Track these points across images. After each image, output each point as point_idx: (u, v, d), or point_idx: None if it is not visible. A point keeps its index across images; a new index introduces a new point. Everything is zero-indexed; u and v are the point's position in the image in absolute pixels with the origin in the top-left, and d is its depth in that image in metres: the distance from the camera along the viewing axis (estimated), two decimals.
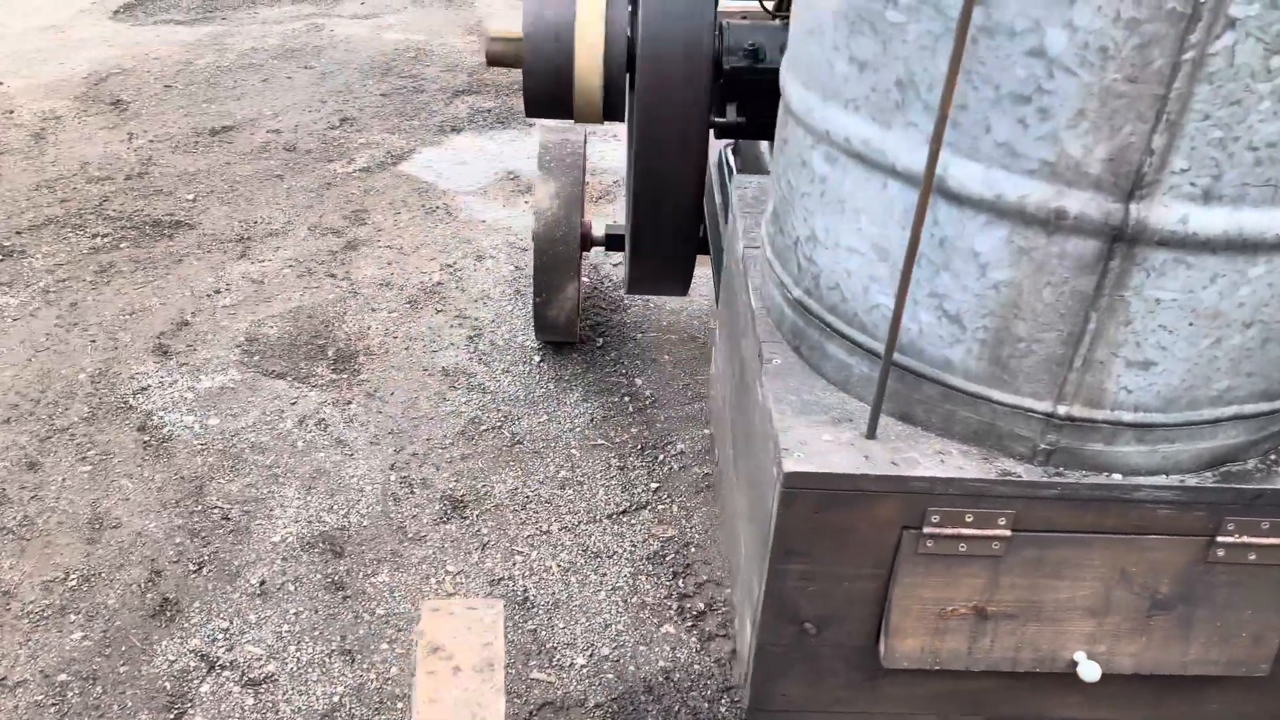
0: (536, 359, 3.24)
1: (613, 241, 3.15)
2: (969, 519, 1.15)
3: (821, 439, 1.18)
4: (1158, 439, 1.13)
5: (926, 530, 1.16)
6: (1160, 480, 1.15)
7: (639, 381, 3.17)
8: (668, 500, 2.73)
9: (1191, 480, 1.16)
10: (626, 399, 3.09)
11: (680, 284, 2.30)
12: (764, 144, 2.63)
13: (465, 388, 3.11)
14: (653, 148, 1.91)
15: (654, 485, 2.78)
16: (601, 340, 3.35)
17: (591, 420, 3.00)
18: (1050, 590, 1.20)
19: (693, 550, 2.58)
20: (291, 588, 2.44)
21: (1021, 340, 1.09)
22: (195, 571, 2.47)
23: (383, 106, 4.96)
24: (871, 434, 1.18)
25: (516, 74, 5.26)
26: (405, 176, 4.34)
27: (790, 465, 1.13)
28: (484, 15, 6.09)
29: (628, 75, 2.27)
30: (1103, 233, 1.00)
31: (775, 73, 2.32)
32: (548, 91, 2.29)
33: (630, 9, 2.26)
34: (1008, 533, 1.16)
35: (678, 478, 2.80)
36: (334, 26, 5.89)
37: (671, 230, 2.05)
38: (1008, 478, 1.14)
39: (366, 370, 3.18)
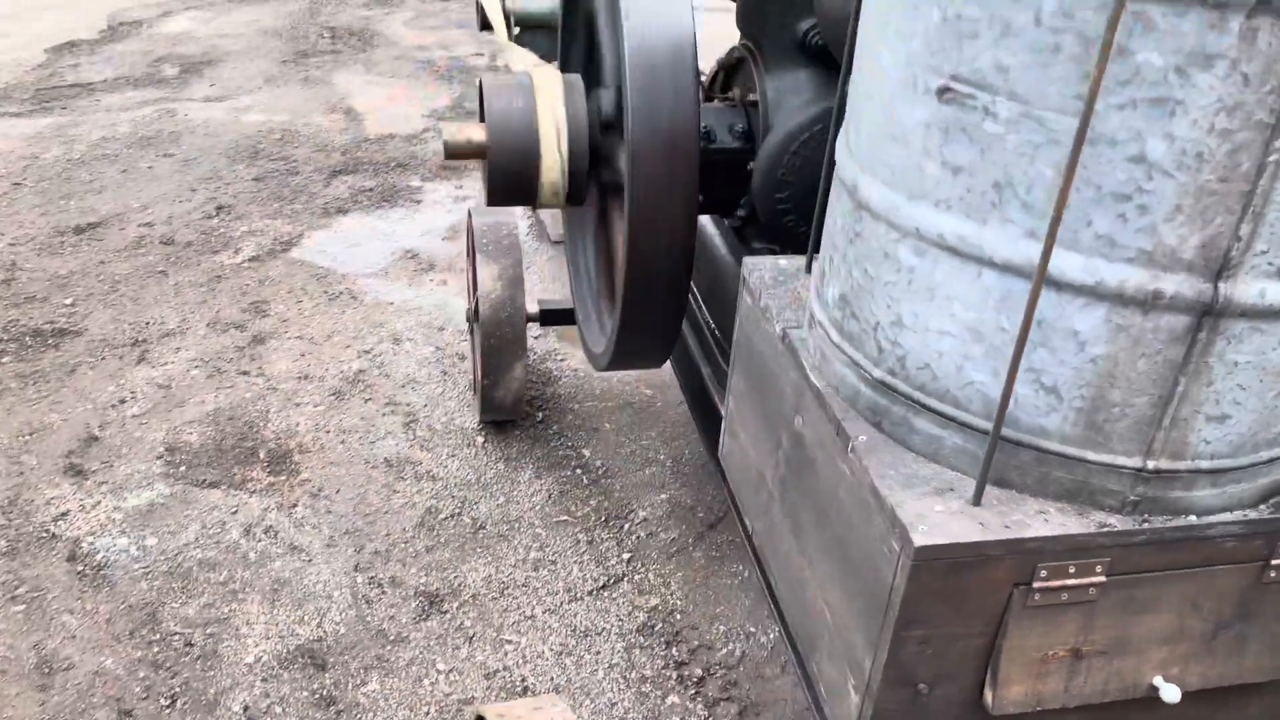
0: (480, 440, 3.22)
1: (548, 318, 3.18)
2: (1071, 570, 1.26)
3: (935, 510, 1.27)
4: (1227, 481, 1.27)
5: (1035, 585, 1.26)
6: (1227, 516, 1.30)
7: (587, 452, 3.20)
8: (643, 570, 2.77)
9: (1252, 513, 1.31)
10: (579, 471, 3.11)
11: (663, 357, 2.36)
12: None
13: (413, 477, 3.06)
14: (646, 231, 1.98)
15: (626, 556, 2.81)
16: (541, 414, 3.37)
17: (549, 497, 3.00)
18: (1135, 625, 1.33)
19: (679, 617, 2.63)
20: (279, 709, 2.33)
21: (1115, 406, 1.21)
22: (169, 706, 2.32)
23: (258, 191, 4.82)
24: (977, 501, 1.27)
25: (394, 150, 5.24)
26: (299, 263, 4.23)
27: (920, 539, 1.21)
28: (344, 93, 6.02)
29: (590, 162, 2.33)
30: (1194, 309, 1.13)
31: (726, 152, 2.44)
32: (513, 183, 2.33)
33: (589, 99, 2.33)
34: (1103, 579, 1.28)
35: (647, 545, 2.84)
36: (187, 111, 5.69)
37: (663, 307, 2.12)
38: (1105, 529, 1.26)
39: (305, 469, 3.07)
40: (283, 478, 3.03)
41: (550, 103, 2.32)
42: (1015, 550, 1.24)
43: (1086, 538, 1.25)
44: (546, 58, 4.13)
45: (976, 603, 1.27)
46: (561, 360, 3.67)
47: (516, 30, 4.13)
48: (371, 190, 4.88)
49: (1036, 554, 1.25)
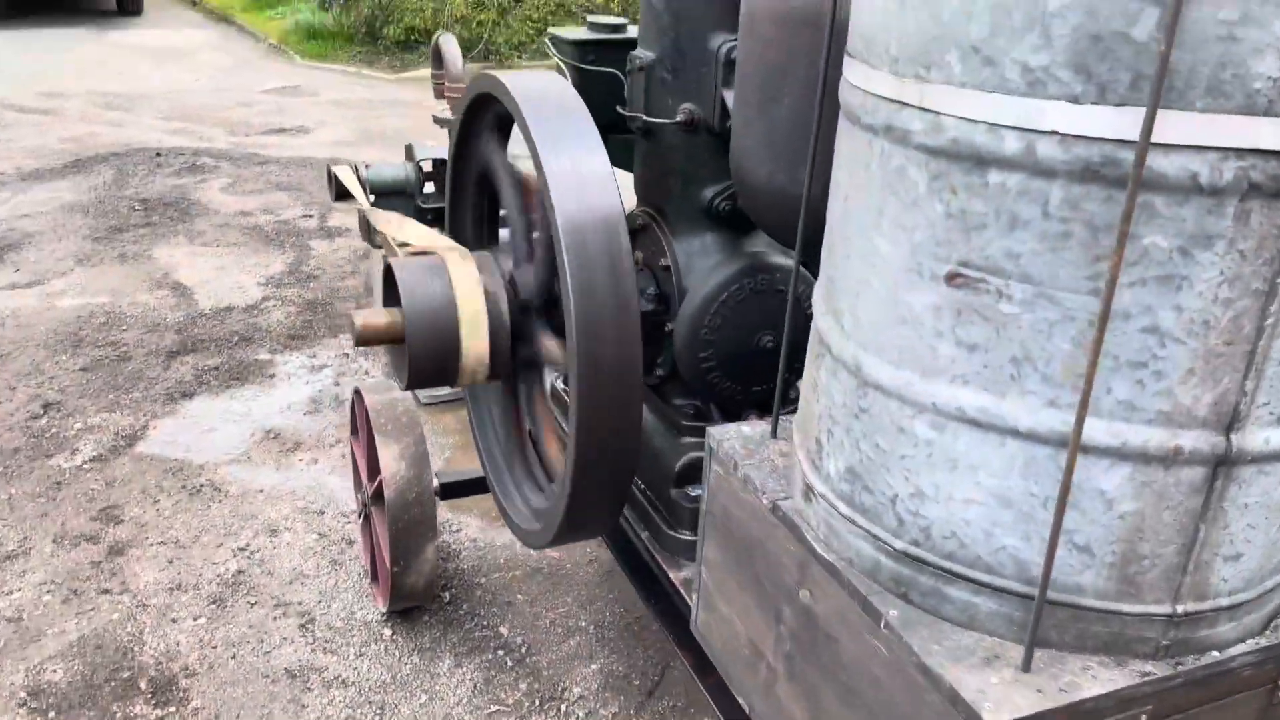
0: (387, 633, 3.02)
1: (450, 491, 3.07)
2: None
3: (991, 683, 1.27)
4: (1243, 614, 1.34)
5: None
6: (1244, 647, 1.36)
7: (505, 630, 3.05)
8: None
9: (1262, 640, 1.38)
10: (501, 653, 2.96)
11: (609, 525, 2.31)
12: None
13: (321, 686, 2.82)
14: (594, 410, 1.95)
15: None
16: (448, 594, 3.20)
17: (475, 687, 2.84)
18: None
19: None
20: None
21: (1145, 558, 1.26)
22: None
23: (88, 384, 4.47)
24: (1027, 668, 1.29)
25: (234, 324, 5.00)
26: (149, 458, 3.92)
27: (990, 716, 1.21)
28: (168, 267, 5.73)
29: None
30: (1210, 460, 1.21)
31: (642, 316, 2.46)
32: (434, 366, 2.26)
33: (505, 276, 2.30)
34: None
35: None
36: None
37: (612, 482, 2.08)
38: (1147, 678, 1.29)
39: (196, 695, 2.79)
40: (171, 709, 2.73)
41: (467, 284, 2.28)
42: (1075, 714, 1.25)
43: (1132, 689, 1.28)
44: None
45: None
46: (458, 531, 3.52)
47: (371, 198, 4.08)
48: (217, 369, 4.62)
49: (1091, 713, 1.26)
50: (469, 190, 2.73)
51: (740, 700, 1.84)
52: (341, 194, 4.09)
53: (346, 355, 4.88)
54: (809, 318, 2.29)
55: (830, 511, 1.51)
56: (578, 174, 1.98)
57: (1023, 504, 1.28)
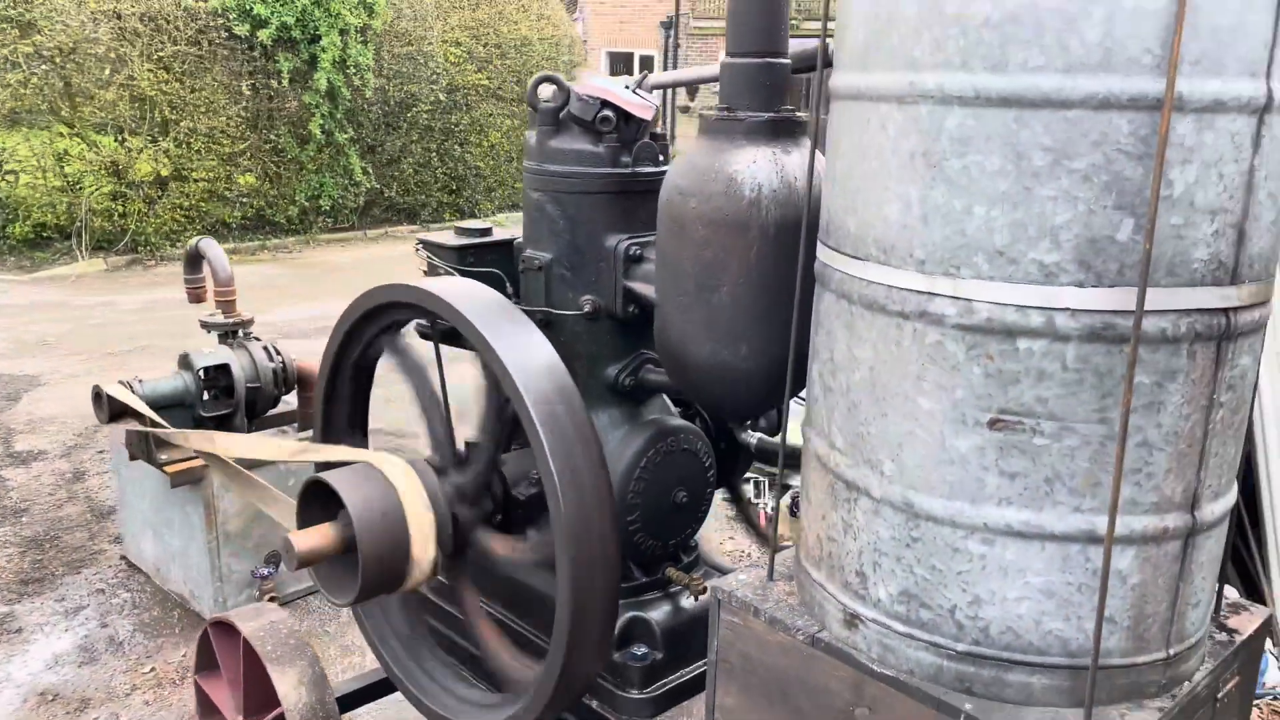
0: None
1: (347, 703, 2.94)
2: None
3: None
4: (1200, 647, 1.77)
5: None
6: (1202, 672, 1.79)
7: None
8: None
9: (1208, 664, 1.81)
10: None
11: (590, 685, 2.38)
12: None
13: None
14: (582, 578, 2.08)
15: None
16: None
17: None
18: None
19: None
20: None
21: (1149, 617, 1.65)
22: None
23: None
24: None
25: None
26: None
27: None
28: None
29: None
30: (1183, 534, 1.63)
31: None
32: (384, 576, 2.27)
33: (444, 474, 2.37)
34: None
35: None
36: None
37: (599, 644, 2.19)
38: (1161, 712, 1.67)
39: None
40: None
41: (411, 488, 2.32)
42: None
43: None
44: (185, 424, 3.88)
45: None
46: None
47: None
48: None
49: None
50: (345, 389, 2.76)
51: None
52: (115, 415, 3.80)
53: (103, 591, 4.41)
54: (708, 470, 2.59)
55: (884, 632, 1.77)
56: (542, 368, 2.15)
57: (1062, 593, 1.63)
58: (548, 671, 2.18)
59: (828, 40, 1.96)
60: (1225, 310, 1.56)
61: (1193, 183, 1.48)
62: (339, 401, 2.77)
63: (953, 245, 1.57)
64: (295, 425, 4.42)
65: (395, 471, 2.35)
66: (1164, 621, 1.68)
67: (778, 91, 2.19)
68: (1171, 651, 1.70)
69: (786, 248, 2.15)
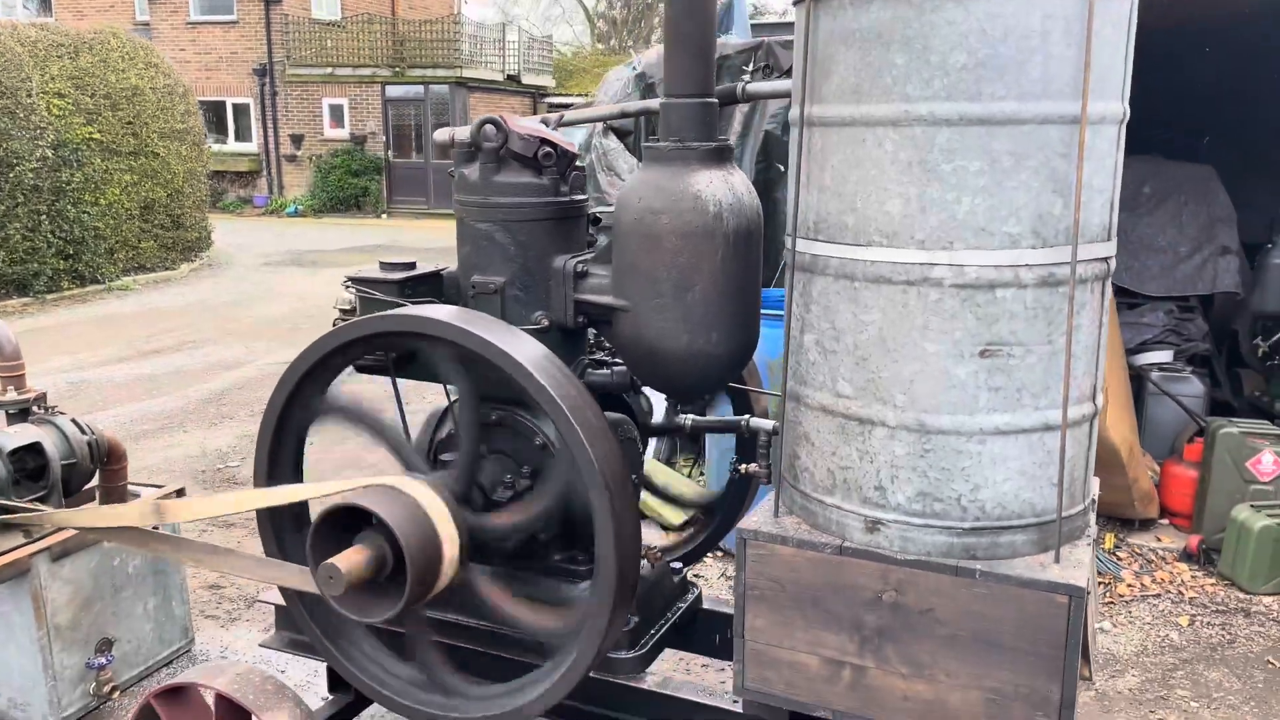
0: None
1: None
2: None
3: (1055, 572, 2.22)
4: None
5: None
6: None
7: None
8: None
9: None
10: None
11: None
12: None
13: None
14: (618, 503, 2.42)
15: None
16: None
17: None
18: None
19: None
20: None
21: (1076, 481, 2.35)
22: None
23: None
24: (1058, 559, 2.26)
25: None
26: None
27: (1079, 581, 2.16)
28: None
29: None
30: (1090, 418, 2.34)
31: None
32: (427, 576, 2.46)
33: (463, 482, 2.58)
34: None
35: None
36: None
37: (636, 561, 2.54)
38: (1088, 544, 2.37)
39: None
40: None
41: (428, 499, 2.50)
42: (1080, 565, 2.26)
43: (1087, 549, 2.34)
44: None
45: None
46: None
47: None
48: None
49: (1082, 565, 2.29)
50: (291, 435, 2.83)
51: (821, 714, 2.47)
52: None
53: None
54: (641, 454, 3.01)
55: (904, 528, 2.31)
56: (542, 357, 2.47)
57: (1031, 471, 2.27)
58: (602, 591, 2.45)
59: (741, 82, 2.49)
60: (1106, 259, 2.29)
61: (1092, 172, 2.18)
62: (284, 453, 2.82)
63: (947, 227, 2.16)
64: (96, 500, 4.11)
65: (410, 485, 2.52)
66: (1082, 482, 2.39)
67: (714, 125, 2.68)
68: (1086, 503, 2.42)
69: (742, 251, 2.65)
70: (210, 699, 2.75)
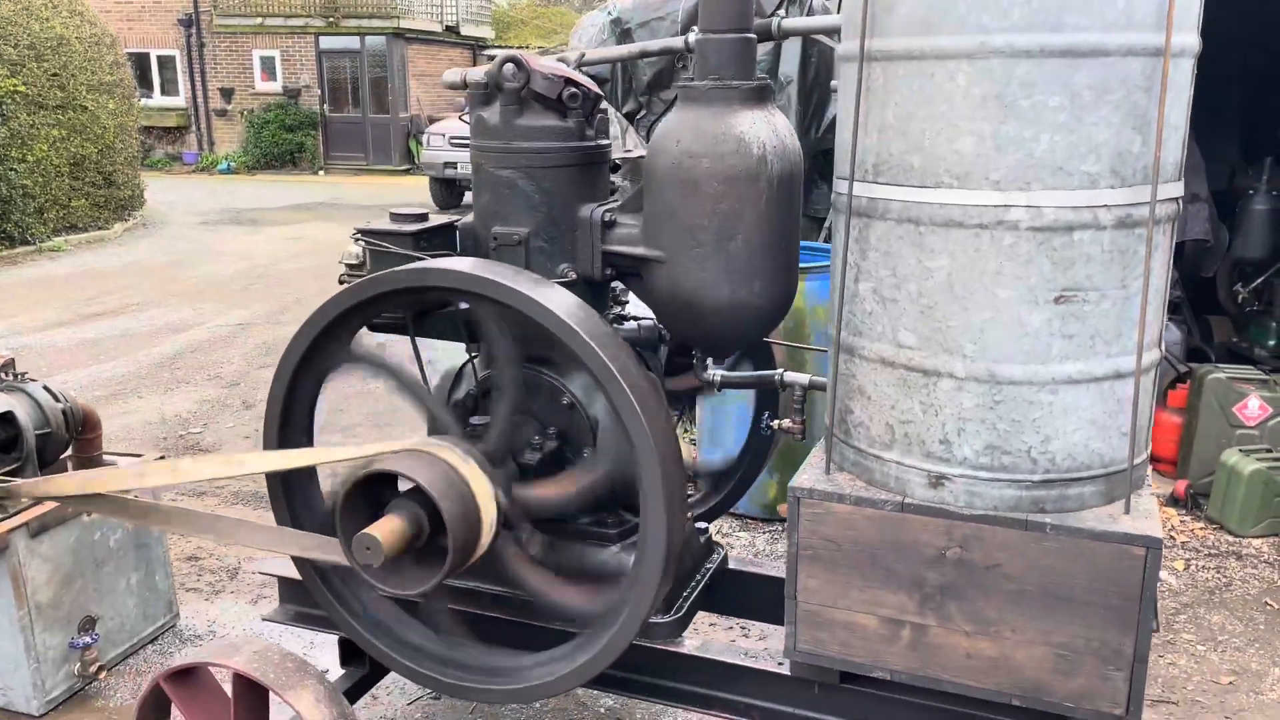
0: None
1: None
2: None
3: (1130, 523, 2.16)
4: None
5: None
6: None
7: None
8: None
9: None
10: None
11: None
12: None
13: None
14: (668, 458, 2.31)
15: None
16: None
17: None
18: None
19: None
20: None
21: (1143, 430, 2.28)
22: None
23: None
24: (1127, 510, 2.20)
25: None
26: None
27: (1156, 533, 2.10)
28: None
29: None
30: (1156, 362, 2.28)
31: None
32: (468, 542, 2.33)
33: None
34: None
35: None
36: None
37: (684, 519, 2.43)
38: (1155, 493, 2.32)
39: None
40: None
41: (462, 463, 2.36)
42: (1153, 514, 2.21)
43: (1153, 497, 2.29)
44: None
45: None
46: None
47: None
48: None
49: (1152, 511, 2.23)
50: (305, 396, 2.66)
51: (877, 674, 2.39)
52: None
53: None
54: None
55: (971, 482, 2.23)
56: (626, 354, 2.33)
57: (1101, 420, 2.20)
58: (653, 561, 2.34)
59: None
60: (1178, 199, 2.21)
61: (1170, 107, 2.09)
62: (301, 406, 2.65)
63: (1024, 166, 2.06)
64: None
65: (442, 449, 2.37)
66: (1146, 430, 2.33)
67: (754, 62, 2.54)
68: (1147, 453, 2.36)
69: (785, 196, 2.52)
70: (227, 678, 2.59)
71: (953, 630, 2.30)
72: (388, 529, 2.25)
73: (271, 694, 2.57)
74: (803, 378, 2.89)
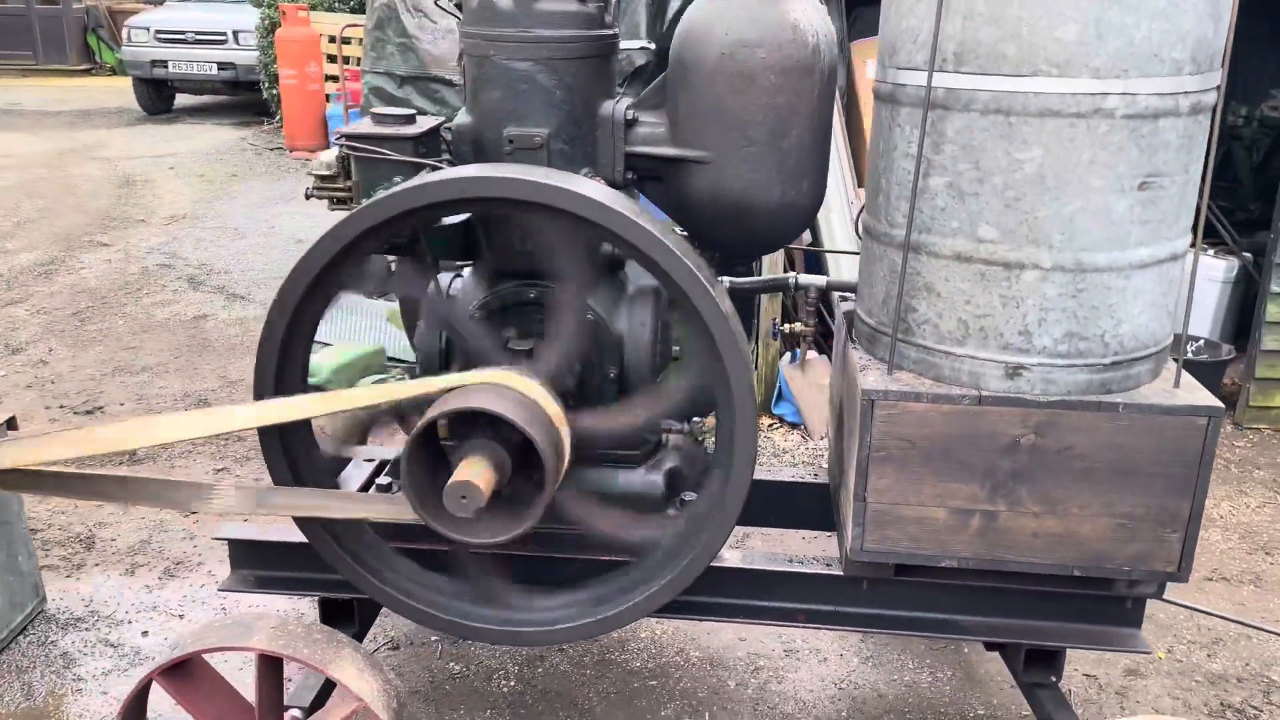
0: None
1: None
2: None
3: (1193, 393, 2.31)
4: None
5: None
6: None
7: None
8: None
9: None
10: None
11: None
12: None
13: None
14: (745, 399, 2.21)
15: None
16: None
17: None
18: None
19: None
20: None
21: (1180, 306, 2.43)
22: None
23: None
24: (1177, 384, 2.35)
25: None
26: None
27: (1212, 401, 2.26)
28: None
29: None
30: (1188, 246, 2.41)
31: None
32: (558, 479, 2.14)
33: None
34: None
35: None
36: None
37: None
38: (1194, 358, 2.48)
39: None
40: None
41: (536, 391, 2.14)
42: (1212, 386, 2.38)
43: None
44: None
45: None
46: None
47: None
48: None
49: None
50: (304, 334, 2.31)
51: (945, 564, 2.44)
52: None
53: None
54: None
55: (1048, 369, 2.28)
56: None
57: (1158, 302, 2.31)
58: (734, 490, 2.25)
59: None
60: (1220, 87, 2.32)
61: None
62: (297, 347, 2.29)
63: (1122, 54, 2.07)
64: None
65: (514, 379, 2.13)
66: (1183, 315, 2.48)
67: None
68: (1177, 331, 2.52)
69: (831, 90, 2.41)
70: (220, 660, 2.25)
71: (1021, 513, 2.38)
72: (480, 473, 2.00)
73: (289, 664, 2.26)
74: (819, 279, 2.83)
